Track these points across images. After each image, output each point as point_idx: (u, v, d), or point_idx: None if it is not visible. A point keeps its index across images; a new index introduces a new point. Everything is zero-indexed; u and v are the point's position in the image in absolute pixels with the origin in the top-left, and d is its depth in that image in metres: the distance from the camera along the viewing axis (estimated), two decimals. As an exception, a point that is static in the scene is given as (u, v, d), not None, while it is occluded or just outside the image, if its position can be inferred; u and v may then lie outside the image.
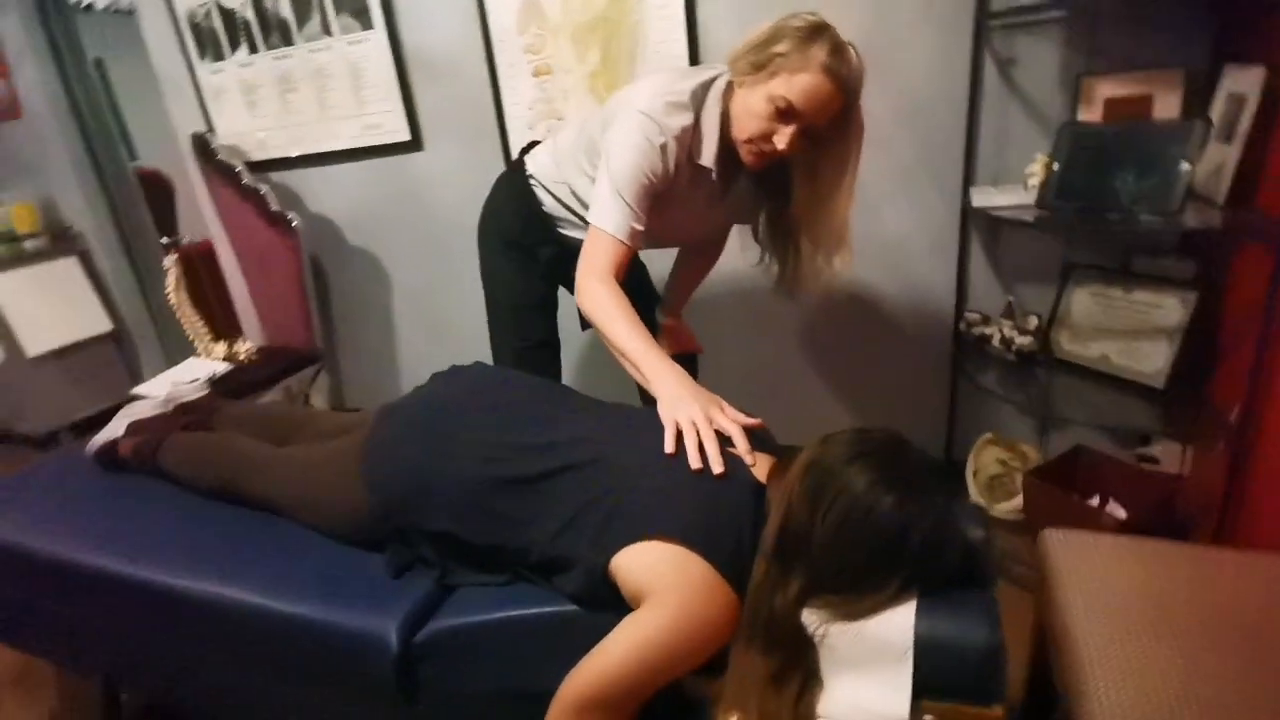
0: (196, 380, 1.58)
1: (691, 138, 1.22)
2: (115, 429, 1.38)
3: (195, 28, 2.37)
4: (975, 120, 1.72)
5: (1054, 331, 1.78)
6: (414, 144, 2.29)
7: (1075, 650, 0.95)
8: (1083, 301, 1.74)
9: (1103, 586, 1.04)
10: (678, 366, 1.09)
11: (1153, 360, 1.60)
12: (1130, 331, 1.64)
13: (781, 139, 1.15)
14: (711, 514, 0.88)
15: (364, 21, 2.16)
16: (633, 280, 1.23)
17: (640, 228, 1.20)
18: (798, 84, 1.11)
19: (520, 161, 1.49)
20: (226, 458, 1.26)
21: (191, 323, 2.54)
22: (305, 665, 1.06)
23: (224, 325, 2.60)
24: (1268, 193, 1.36)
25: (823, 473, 0.85)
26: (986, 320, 1.84)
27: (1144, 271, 1.67)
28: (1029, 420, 1.99)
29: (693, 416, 0.97)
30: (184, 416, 1.41)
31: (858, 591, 0.83)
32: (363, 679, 1.00)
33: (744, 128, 1.18)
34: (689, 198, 1.30)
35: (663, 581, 0.84)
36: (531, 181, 1.45)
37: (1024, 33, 1.65)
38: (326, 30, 2.22)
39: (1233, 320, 1.52)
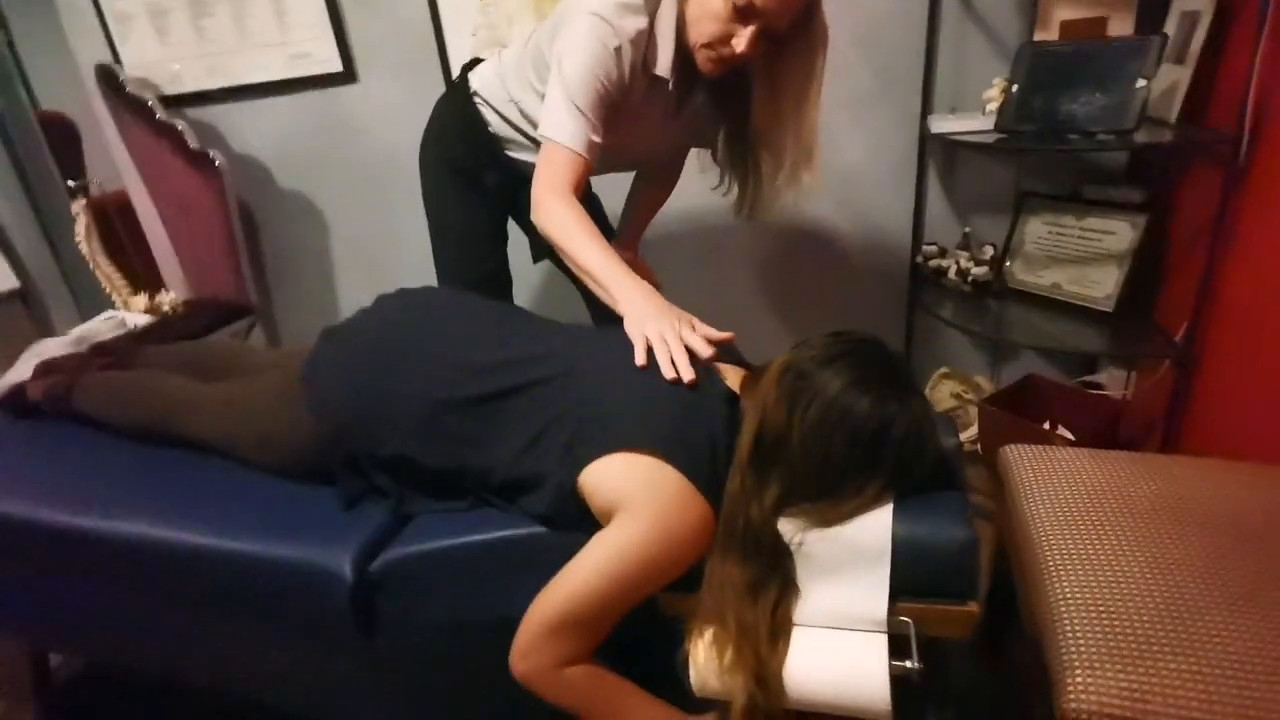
0: (114, 320, 1.44)
1: (647, 44, 1.15)
2: (22, 371, 1.25)
3: (94, -55, 2.14)
4: (934, 46, 1.70)
5: (1008, 261, 1.79)
6: (347, 75, 2.13)
7: (1036, 556, 0.95)
8: (1036, 230, 1.75)
9: (1064, 494, 1.05)
10: (645, 282, 1.03)
11: (1103, 285, 1.62)
12: (1081, 259, 1.67)
13: (741, 41, 1.09)
14: (685, 425, 0.85)
15: (285, -63, 1.99)
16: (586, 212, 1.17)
17: (597, 139, 1.13)
18: None
19: (463, 79, 1.40)
20: (154, 396, 1.16)
21: (107, 274, 2.35)
22: (256, 607, 0.99)
23: (145, 277, 2.42)
24: (1218, 113, 1.38)
25: (798, 376, 0.82)
26: (944, 252, 1.84)
27: (1096, 198, 1.69)
28: (982, 353, 2.02)
29: (662, 331, 0.93)
30: (100, 358, 1.29)
31: (835, 496, 0.81)
32: (318, 616, 0.94)
33: (701, 31, 1.12)
34: (644, 113, 1.23)
35: (636, 494, 0.80)
36: (476, 100, 1.35)
37: (981, -46, 1.62)
38: (243, -54, 2.03)
39: (1180, 242, 1.56)
